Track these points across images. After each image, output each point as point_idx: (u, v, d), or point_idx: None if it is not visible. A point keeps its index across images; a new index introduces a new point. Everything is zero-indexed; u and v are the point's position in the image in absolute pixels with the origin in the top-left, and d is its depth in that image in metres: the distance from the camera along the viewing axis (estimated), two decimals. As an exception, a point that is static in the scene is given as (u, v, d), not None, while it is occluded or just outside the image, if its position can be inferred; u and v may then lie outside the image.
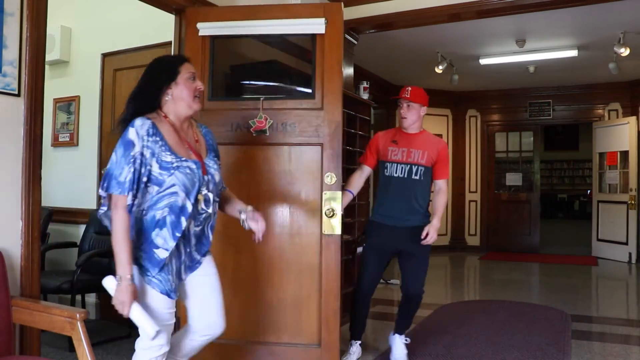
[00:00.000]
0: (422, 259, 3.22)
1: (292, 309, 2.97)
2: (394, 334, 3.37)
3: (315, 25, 2.90)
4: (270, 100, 2.97)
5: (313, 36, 2.95)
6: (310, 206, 2.96)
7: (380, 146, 3.25)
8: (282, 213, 2.99)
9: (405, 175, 3.15)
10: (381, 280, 5.05)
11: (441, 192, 3.26)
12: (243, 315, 2.96)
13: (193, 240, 2.08)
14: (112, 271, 1.92)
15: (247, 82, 3.77)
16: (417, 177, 3.16)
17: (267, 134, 2.93)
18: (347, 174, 3.66)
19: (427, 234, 3.12)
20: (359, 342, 3.34)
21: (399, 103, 3.23)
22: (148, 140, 1.88)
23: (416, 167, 3.16)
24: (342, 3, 2.98)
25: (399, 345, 3.31)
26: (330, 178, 2.90)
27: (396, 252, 3.24)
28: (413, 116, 3.21)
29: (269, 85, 3.79)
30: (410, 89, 3.21)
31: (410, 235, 3.15)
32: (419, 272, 3.24)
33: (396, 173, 3.16)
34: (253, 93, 3.46)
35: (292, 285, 2.97)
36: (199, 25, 2.93)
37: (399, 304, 3.41)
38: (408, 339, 3.37)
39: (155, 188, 1.93)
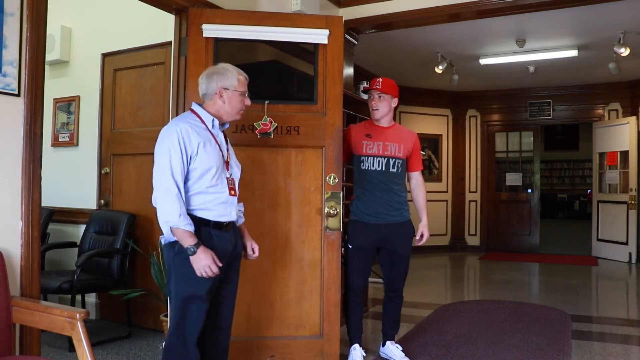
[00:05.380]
0: (407, 255, 3.25)
1: (295, 303, 3.09)
2: (384, 344, 3.36)
3: (319, 36, 3.09)
4: (273, 104, 3.06)
5: (316, 46, 3.11)
6: (313, 205, 3.09)
7: (353, 140, 3.22)
8: (285, 212, 3.09)
9: (383, 169, 3.15)
10: (380, 280, 5.04)
11: (419, 184, 3.29)
12: (248, 312, 3.05)
13: None
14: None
15: (250, 83, 3.78)
16: (395, 170, 3.16)
17: (272, 137, 3.01)
18: (347, 173, 3.69)
19: (421, 235, 3.16)
20: (360, 346, 3.29)
21: (369, 95, 3.21)
22: None
23: (394, 160, 3.16)
24: (342, 6, 3.02)
25: (395, 350, 3.31)
26: (332, 179, 3.06)
27: (378, 248, 3.24)
28: (384, 108, 3.18)
29: (271, 86, 3.80)
30: (381, 79, 3.18)
31: (395, 232, 3.15)
32: (405, 268, 3.27)
33: (374, 166, 3.15)
34: (255, 94, 3.50)
35: (295, 281, 3.08)
36: (204, 26, 2.98)
37: (383, 306, 3.39)
38: (399, 345, 3.36)
39: None
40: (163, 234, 2.20)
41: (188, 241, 2.11)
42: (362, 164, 3.18)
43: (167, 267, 2.28)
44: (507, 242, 8.90)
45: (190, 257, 2.12)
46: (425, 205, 3.28)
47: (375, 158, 3.15)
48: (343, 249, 3.31)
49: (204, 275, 2.13)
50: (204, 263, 2.11)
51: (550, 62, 6.79)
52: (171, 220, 2.10)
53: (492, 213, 9.04)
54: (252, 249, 2.49)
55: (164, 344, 2.31)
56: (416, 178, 3.29)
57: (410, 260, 3.32)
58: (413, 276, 3.36)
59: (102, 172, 4.35)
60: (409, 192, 3.28)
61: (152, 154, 4.06)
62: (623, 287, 6.31)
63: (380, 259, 3.27)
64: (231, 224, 2.34)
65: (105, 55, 4.39)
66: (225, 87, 2.28)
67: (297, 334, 3.06)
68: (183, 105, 3.01)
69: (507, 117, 9.05)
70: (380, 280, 3.69)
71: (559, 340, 3.72)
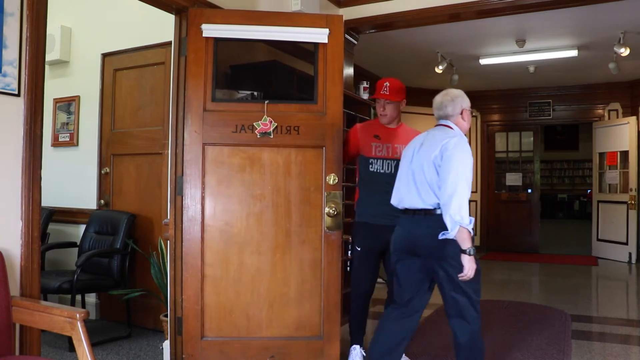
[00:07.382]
0: None
1: (294, 304, 3.07)
2: None
3: (319, 35, 3.07)
4: (273, 104, 3.04)
5: (316, 45, 3.09)
6: (313, 205, 3.06)
7: (361, 141, 3.20)
8: (285, 212, 3.07)
9: (392, 172, 3.11)
10: (380, 280, 5.03)
11: None
12: (247, 312, 3.03)
13: None
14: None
15: (250, 83, 3.79)
16: None
17: (272, 137, 3.00)
18: (347, 173, 3.69)
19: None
20: (361, 347, 3.29)
21: (377, 100, 3.18)
22: None
23: None
24: (342, 6, 3.00)
25: None
26: (332, 179, 3.03)
27: (384, 250, 3.19)
28: (393, 112, 3.16)
29: (271, 86, 3.80)
30: (388, 84, 3.15)
31: None
32: None
33: (383, 169, 3.14)
34: (255, 94, 3.51)
35: (295, 281, 3.06)
36: (204, 26, 2.97)
37: (385, 307, 3.37)
38: None
39: None
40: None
41: (470, 242, 2.41)
42: (370, 166, 3.16)
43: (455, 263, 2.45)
44: (507, 242, 8.90)
45: (468, 257, 2.40)
46: None
47: (384, 161, 3.14)
48: (350, 252, 3.30)
49: (469, 275, 2.43)
50: (474, 266, 2.43)
51: (550, 62, 6.79)
52: (465, 222, 2.38)
53: (492, 213, 9.03)
54: None
55: (463, 333, 2.52)
56: None
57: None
58: (413, 276, 3.33)
59: (102, 172, 4.35)
60: None
61: (151, 154, 4.09)
62: (623, 287, 6.31)
63: (386, 261, 3.27)
64: None
65: (105, 55, 4.39)
66: (466, 107, 2.69)
67: (297, 334, 3.05)
68: (183, 106, 3.00)
69: (507, 117, 9.05)
70: (382, 280, 3.69)
71: (559, 340, 3.72)
